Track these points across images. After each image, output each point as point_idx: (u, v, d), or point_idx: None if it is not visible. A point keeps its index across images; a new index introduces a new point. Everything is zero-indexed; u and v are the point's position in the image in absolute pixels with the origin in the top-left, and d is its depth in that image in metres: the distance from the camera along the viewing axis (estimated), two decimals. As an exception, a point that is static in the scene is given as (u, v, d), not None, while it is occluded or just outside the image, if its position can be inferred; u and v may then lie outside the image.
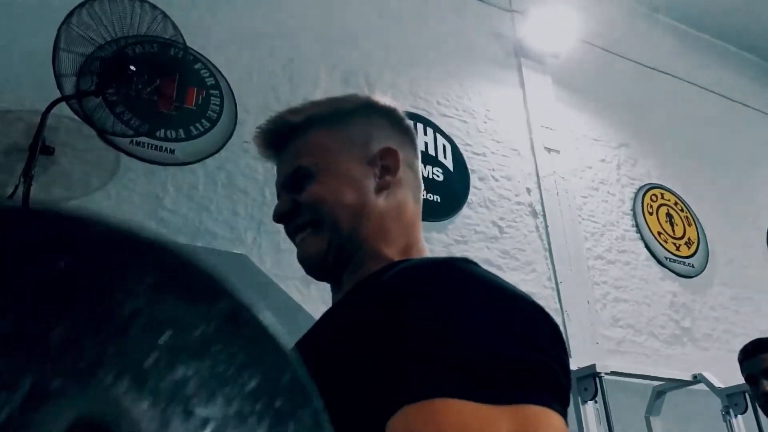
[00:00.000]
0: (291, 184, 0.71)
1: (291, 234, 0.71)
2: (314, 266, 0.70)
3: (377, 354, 0.47)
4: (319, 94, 2.75)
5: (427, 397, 0.42)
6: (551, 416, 0.43)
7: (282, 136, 0.73)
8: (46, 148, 2.08)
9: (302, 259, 0.70)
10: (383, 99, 0.77)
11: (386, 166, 0.71)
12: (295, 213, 0.69)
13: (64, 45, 1.98)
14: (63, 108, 2.12)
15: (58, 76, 2.00)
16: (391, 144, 0.72)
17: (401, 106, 2.85)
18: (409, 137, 0.77)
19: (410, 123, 0.78)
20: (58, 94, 2.05)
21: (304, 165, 0.70)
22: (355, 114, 0.74)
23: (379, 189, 0.70)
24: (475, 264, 0.56)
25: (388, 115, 0.76)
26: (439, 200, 2.79)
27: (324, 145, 0.71)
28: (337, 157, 0.70)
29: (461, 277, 0.52)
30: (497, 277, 0.55)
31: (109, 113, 2.15)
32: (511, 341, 0.46)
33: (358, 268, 0.68)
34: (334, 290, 0.72)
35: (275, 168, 0.76)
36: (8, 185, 2.00)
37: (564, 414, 0.45)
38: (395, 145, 0.73)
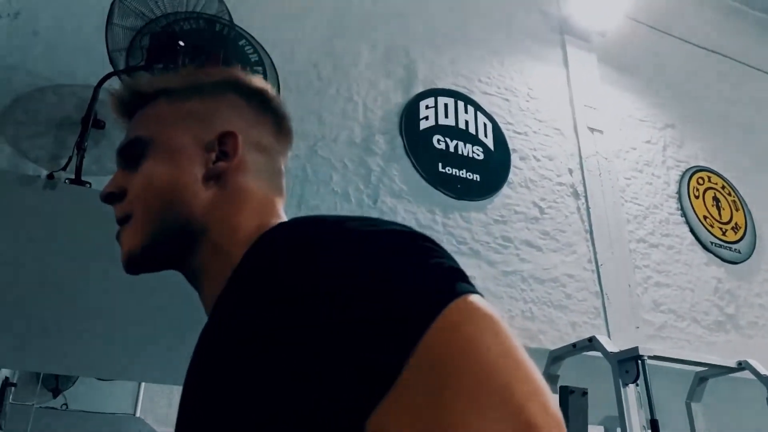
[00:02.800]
0: (126, 157, 0.65)
1: (117, 216, 0.64)
2: (129, 263, 0.63)
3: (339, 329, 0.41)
4: (360, 71, 2.76)
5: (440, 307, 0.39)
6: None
7: (129, 105, 0.68)
8: (98, 121, 2.15)
9: (122, 254, 0.63)
10: (254, 79, 0.70)
11: (224, 151, 0.63)
12: (120, 197, 0.63)
13: (117, 19, 2.02)
14: (114, 83, 2.18)
15: (110, 51, 2.05)
16: (237, 125, 0.65)
17: (443, 84, 2.82)
18: (273, 120, 0.69)
19: (278, 105, 0.70)
20: (108, 69, 2.11)
21: (137, 137, 0.64)
22: (210, 90, 0.67)
23: (212, 176, 0.62)
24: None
25: (252, 95, 0.68)
26: (478, 179, 2.78)
27: (162, 117, 0.65)
28: (172, 132, 0.63)
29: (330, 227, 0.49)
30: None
31: (157, 87, 2.20)
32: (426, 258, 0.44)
33: (208, 265, 0.61)
34: (193, 284, 0.65)
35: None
36: (62, 157, 2.07)
37: None
38: (243, 127, 0.65)
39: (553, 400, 0.39)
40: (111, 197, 0.63)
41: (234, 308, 0.50)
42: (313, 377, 0.41)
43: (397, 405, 0.38)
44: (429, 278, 0.42)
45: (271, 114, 0.69)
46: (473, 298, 0.41)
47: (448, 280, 0.42)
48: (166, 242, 0.61)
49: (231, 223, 0.61)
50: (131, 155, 0.63)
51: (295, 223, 0.52)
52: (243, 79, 0.68)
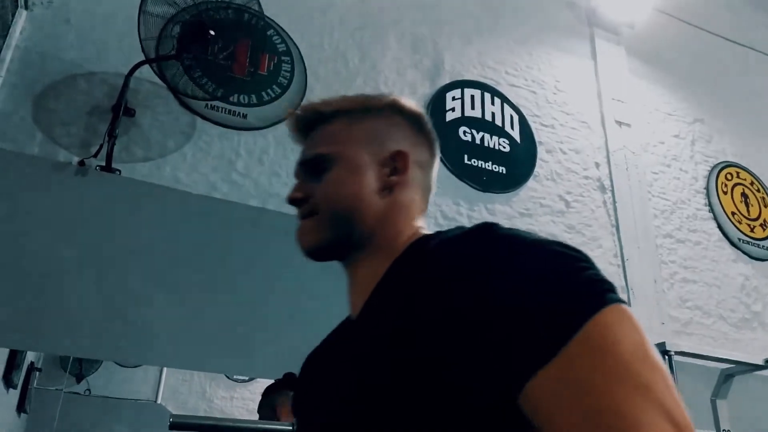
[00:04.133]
0: (309, 169, 0.77)
1: (299, 217, 0.77)
2: (308, 250, 0.76)
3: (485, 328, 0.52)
4: (387, 62, 2.75)
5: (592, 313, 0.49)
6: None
7: (309, 123, 0.80)
8: (128, 109, 2.16)
9: (300, 243, 0.76)
10: (411, 103, 0.82)
11: (396, 168, 0.76)
12: (305, 200, 0.76)
13: (150, 7, 2.03)
14: (143, 71, 2.19)
15: (142, 39, 2.06)
16: (404, 145, 0.77)
17: (470, 75, 2.83)
18: (428, 142, 0.81)
19: (431, 128, 0.82)
20: (139, 57, 2.12)
21: (323, 153, 0.76)
22: (378, 112, 0.79)
23: (385, 188, 0.75)
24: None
25: (411, 118, 0.80)
26: (504, 172, 2.76)
27: (343, 136, 0.76)
28: (353, 150, 0.75)
29: (505, 233, 0.59)
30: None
31: (187, 77, 2.21)
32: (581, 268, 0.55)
33: (369, 261, 0.73)
34: (349, 274, 0.77)
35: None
36: (92, 144, 2.08)
37: None
38: (409, 147, 0.78)
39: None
40: (296, 201, 0.77)
41: (401, 298, 0.61)
42: (475, 354, 0.51)
43: (553, 378, 0.48)
44: (592, 285, 0.52)
45: (425, 135, 0.81)
46: (623, 306, 0.51)
47: (605, 290, 0.52)
48: (342, 241, 0.74)
49: (396, 229, 0.74)
50: (315, 168, 0.76)
51: (477, 229, 0.61)
52: (404, 104, 0.81)
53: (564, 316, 0.49)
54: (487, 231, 0.60)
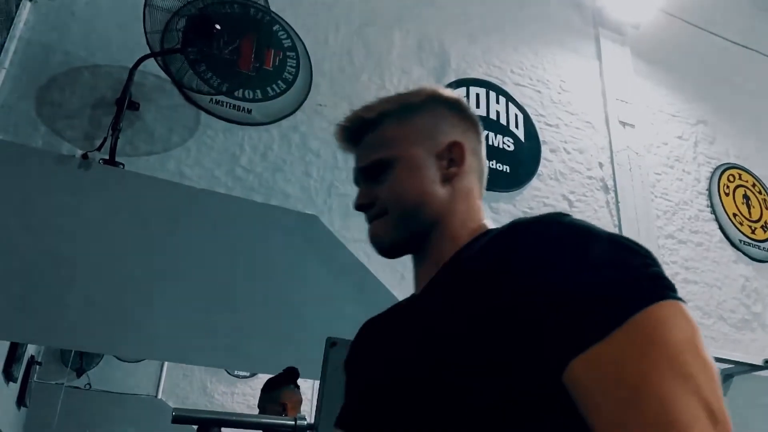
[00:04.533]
0: (369, 174, 0.80)
1: (369, 220, 0.81)
2: (385, 249, 0.79)
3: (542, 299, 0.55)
4: (393, 59, 2.74)
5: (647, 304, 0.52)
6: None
7: (357, 131, 0.82)
8: (132, 103, 2.15)
9: (374, 242, 0.80)
10: (447, 91, 0.84)
11: (453, 159, 0.79)
12: (372, 204, 0.79)
13: (155, 0, 2.02)
14: (148, 64, 2.18)
15: (147, 33, 2.05)
16: (456, 135, 0.80)
17: (475, 73, 2.82)
18: (473, 126, 0.84)
19: (474, 112, 0.85)
20: (144, 50, 2.10)
21: (381, 158, 0.78)
22: (422, 107, 0.81)
23: (446, 179, 0.78)
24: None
25: (453, 106, 0.82)
26: (508, 170, 2.75)
27: (396, 138, 0.79)
28: (409, 150, 0.78)
29: (576, 223, 0.62)
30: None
31: (192, 71, 2.20)
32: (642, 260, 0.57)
33: (436, 247, 0.76)
34: (416, 261, 0.81)
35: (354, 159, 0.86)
36: (96, 137, 2.07)
37: None
38: (460, 136, 0.80)
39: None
40: (364, 207, 0.80)
41: (469, 279, 0.64)
42: (537, 326, 0.54)
43: (599, 358, 0.51)
44: (652, 278, 0.55)
45: (470, 120, 0.83)
46: (681, 304, 0.54)
47: (665, 286, 0.54)
48: (414, 235, 0.77)
49: (460, 216, 0.77)
50: (375, 172, 0.79)
51: (545, 218, 0.64)
52: (443, 93, 0.83)
53: (620, 302, 0.52)
54: (560, 218, 0.63)
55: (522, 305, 0.56)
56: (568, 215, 0.64)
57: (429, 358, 0.62)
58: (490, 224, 0.79)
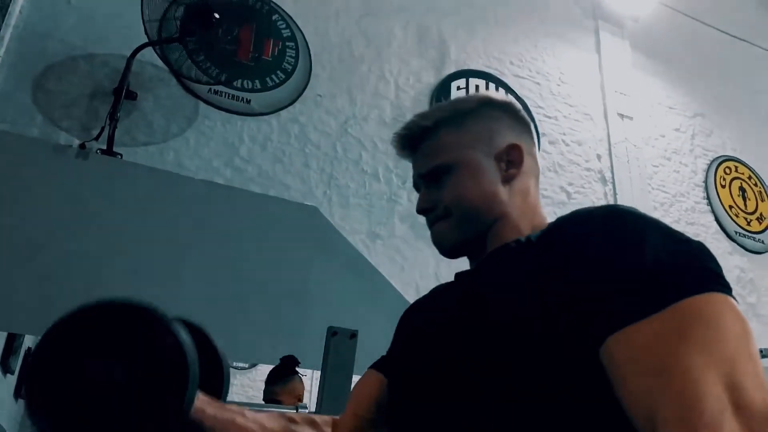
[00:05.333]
0: (430, 179, 0.83)
1: (431, 222, 0.83)
2: (446, 249, 0.82)
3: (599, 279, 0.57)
4: (393, 50, 2.72)
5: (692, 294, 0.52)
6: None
7: (415, 139, 0.85)
8: (130, 92, 2.13)
9: (437, 242, 0.83)
10: (498, 96, 0.87)
11: (511, 160, 0.81)
12: (434, 208, 0.82)
13: (154, -11, 2.00)
14: (145, 54, 2.16)
15: (144, 21, 2.02)
16: (512, 137, 0.82)
17: (474, 65, 2.80)
18: (526, 127, 0.86)
19: (525, 114, 0.87)
20: (141, 39, 2.08)
21: (441, 163, 0.81)
22: (476, 112, 0.83)
23: (505, 180, 0.80)
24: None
25: (505, 109, 0.85)
26: (507, 163, 2.75)
27: (454, 143, 0.81)
28: (468, 154, 0.80)
29: (637, 212, 0.64)
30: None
31: (190, 61, 2.18)
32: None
33: (497, 238, 0.78)
34: (472, 261, 0.84)
35: (411, 166, 0.88)
36: (93, 127, 2.05)
37: None
38: (516, 138, 0.82)
39: None
40: (426, 211, 0.83)
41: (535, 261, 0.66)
42: (580, 305, 0.56)
43: (638, 336, 0.52)
44: (709, 271, 0.55)
45: (523, 122, 0.86)
46: (733, 300, 0.54)
47: (720, 282, 0.55)
48: (476, 236, 0.80)
49: (520, 213, 0.80)
50: (437, 177, 0.82)
51: (609, 207, 0.66)
52: (495, 98, 0.86)
53: (668, 287, 0.53)
54: (620, 207, 0.65)
55: (576, 283, 0.58)
56: (631, 208, 0.67)
57: (483, 325, 0.65)
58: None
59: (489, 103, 0.85)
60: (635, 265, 0.56)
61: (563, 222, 0.68)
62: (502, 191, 0.80)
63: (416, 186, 0.87)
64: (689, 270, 0.55)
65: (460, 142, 0.82)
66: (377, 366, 0.89)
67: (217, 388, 0.91)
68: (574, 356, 0.57)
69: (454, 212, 0.80)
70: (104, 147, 2.01)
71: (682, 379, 0.48)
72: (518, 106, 0.87)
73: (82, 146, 1.97)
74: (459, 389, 0.65)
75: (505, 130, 0.83)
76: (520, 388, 0.59)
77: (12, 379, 2.65)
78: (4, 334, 2.50)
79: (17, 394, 2.74)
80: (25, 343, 2.80)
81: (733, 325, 0.51)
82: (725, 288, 0.54)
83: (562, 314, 0.58)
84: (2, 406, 2.66)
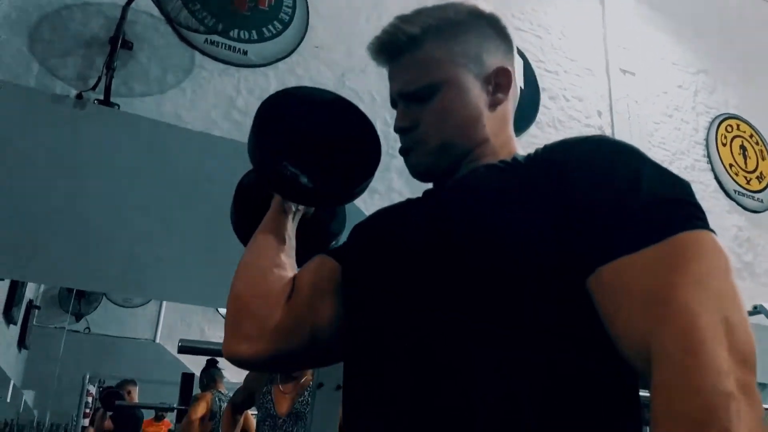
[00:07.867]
0: (414, 96, 0.76)
1: (408, 143, 0.78)
2: (424, 173, 0.78)
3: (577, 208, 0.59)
4: (391, 0, 2.67)
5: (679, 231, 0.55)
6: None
7: (398, 46, 0.77)
8: (126, 42, 2.10)
9: (413, 167, 0.78)
10: (486, 6, 0.80)
11: (499, 84, 0.77)
12: (413, 128, 0.76)
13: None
14: (140, 2, 2.13)
15: (139, -33, 1.99)
16: (500, 57, 0.78)
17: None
18: (511, 47, 0.81)
19: (510, 31, 0.82)
20: (136, -12, 2.05)
21: (429, 82, 0.75)
22: (466, 26, 0.77)
23: (492, 105, 0.77)
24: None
25: (494, 25, 0.79)
26: (506, 118, 2.73)
27: (442, 60, 0.75)
28: (456, 72, 0.75)
29: (625, 144, 0.67)
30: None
31: (186, 10, 2.15)
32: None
33: (473, 164, 0.76)
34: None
35: (387, 74, 0.81)
36: (90, 77, 2.04)
37: None
38: (504, 59, 0.78)
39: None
40: (405, 130, 0.77)
41: (516, 182, 0.66)
42: (569, 233, 0.58)
43: (631, 267, 0.54)
44: (699, 209, 0.58)
45: (508, 40, 0.80)
46: (715, 236, 0.57)
47: (702, 218, 0.57)
48: (453, 162, 0.76)
49: (500, 140, 0.78)
50: (421, 95, 0.76)
51: (596, 136, 0.69)
52: (484, 10, 0.79)
53: (661, 222, 0.55)
54: (608, 138, 0.69)
55: (570, 207, 0.59)
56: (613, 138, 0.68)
57: (463, 245, 0.64)
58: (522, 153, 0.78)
59: (478, 15, 0.78)
60: (631, 196, 0.57)
61: (554, 146, 0.67)
62: (487, 116, 0.76)
63: (393, 102, 0.81)
64: (682, 206, 0.57)
65: (448, 58, 0.75)
66: (332, 254, 0.85)
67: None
68: (559, 285, 0.57)
69: (434, 136, 0.76)
70: (101, 97, 2.00)
71: (682, 311, 0.49)
72: (503, 21, 0.81)
73: (79, 96, 1.96)
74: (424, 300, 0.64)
75: (494, 50, 0.78)
76: (497, 322, 0.58)
77: (15, 330, 2.69)
78: (6, 288, 2.53)
79: (20, 345, 2.79)
80: (26, 295, 2.83)
81: (719, 261, 0.54)
82: (707, 224, 0.57)
83: (551, 236, 0.58)
84: (6, 355, 2.71)
